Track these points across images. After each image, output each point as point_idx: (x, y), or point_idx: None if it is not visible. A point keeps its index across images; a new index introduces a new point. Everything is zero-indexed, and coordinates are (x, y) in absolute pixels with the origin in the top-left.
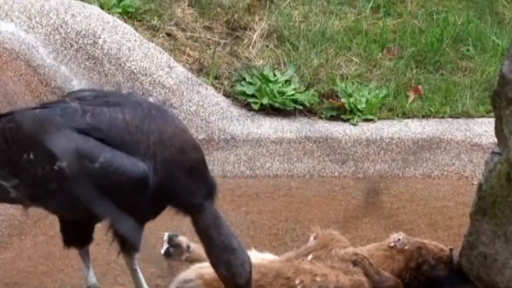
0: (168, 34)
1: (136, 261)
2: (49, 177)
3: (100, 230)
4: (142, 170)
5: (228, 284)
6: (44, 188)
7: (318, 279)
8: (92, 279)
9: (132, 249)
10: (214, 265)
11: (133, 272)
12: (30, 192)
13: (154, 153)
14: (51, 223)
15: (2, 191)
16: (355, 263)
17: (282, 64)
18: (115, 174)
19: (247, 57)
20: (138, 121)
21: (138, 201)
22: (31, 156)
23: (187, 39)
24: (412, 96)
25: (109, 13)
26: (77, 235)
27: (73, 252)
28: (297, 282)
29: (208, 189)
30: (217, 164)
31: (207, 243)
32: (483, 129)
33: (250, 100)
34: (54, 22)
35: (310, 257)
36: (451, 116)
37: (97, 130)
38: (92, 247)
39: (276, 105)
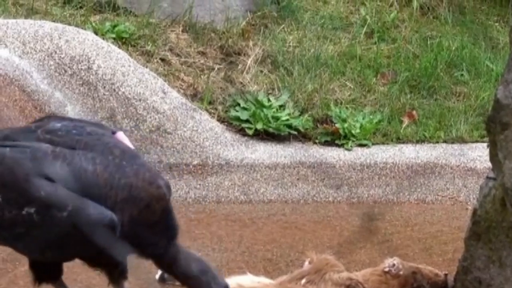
0: (162, 60)
1: None
2: (16, 220)
3: None
4: (109, 219)
5: None
6: (11, 231)
7: None
8: None
9: (120, 278)
10: None
11: None
12: None
13: (121, 210)
14: None
15: None
16: None
17: (276, 89)
18: (82, 223)
19: (241, 82)
20: (109, 174)
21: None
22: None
23: (181, 64)
24: (406, 121)
25: (103, 38)
26: (47, 272)
27: (68, 279)
28: None
29: (170, 236)
30: (211, 189)
31: (178, 277)
32: (477, 154)
33: (245, 125)
34: (48, 48)
35: (303, 281)
36: (445, 141)
37: (65, 180)
38: (86, 273)
39: (270, 130)
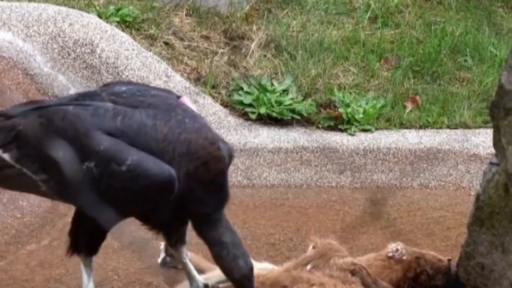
0: (166, 43)
1: (185, 254)
2: (77, 176)
3: None
4: (168, 174)
5: (229, 279)
6: (72, 186)
7: (315, 287)
8: None
9: (178, 242)
10: (215, 260)
11: (184, 265)
12: (58, 188)
13: (178, 164)
14: (48, 232)
15: (33, 185)
16: (353, 273)
17: (279, 74)
18: (141, 177)
19: (245, 67)
20: (168, 129)
21: (161, 206)
22: (60, 154)
23: (185, 48)
24: (409, 106)
25: (107, 22)
26: (88, 241)
27: (70, 261)
28: None
29: (221, 199)
30: None
31: (208, 243)
32: (481, 140)
33: (248, 109)
34: (52, 31)
35: (309, 266)
36: (448, 127)
37: (125, 135)
38: None
39: (274, 114)
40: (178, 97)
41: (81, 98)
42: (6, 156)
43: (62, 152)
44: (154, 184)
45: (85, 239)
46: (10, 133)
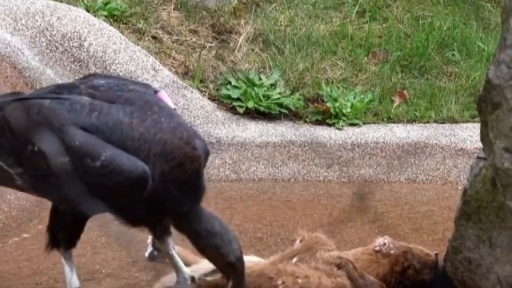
0: (154, 37)
1: (171, 246)
2: (51, 170)
3: (84, 233)
4: (142, 171)
5: (221, 266)
6: (46, 181)
7: (300, 280)
8: (76, 282)
9: (164, 234)
10: (203, 252)
11: (170, 256)
12: (33, 182)
13: (153, 164)
14: (35, 226)
15: (9, 178)
16: (339, 266)
17: (267, 68)
18: (114, 172)
19: (233, 61)
20: (144, 128)
21: (135, 203)
22: (35, 148)
23: (173, 42)
24: (397, 101)
25: (94, 16)
26: (66, 235)
27: (57, 255)
28: (279, 282)
29: (196, 197)
30: None
31: (191, 236)
32: (468, 134)
33: (236, 103)
34: (40, 25)
35: (294, 259)
36: (436, 121)
37: (100, 131)
38: (76, 251)
39: (261, 109)
40: (156, 91)
41: (59, 91)
42: None
43: (36, 147)
44: (127, 180)
45: (63, 233)
46: None
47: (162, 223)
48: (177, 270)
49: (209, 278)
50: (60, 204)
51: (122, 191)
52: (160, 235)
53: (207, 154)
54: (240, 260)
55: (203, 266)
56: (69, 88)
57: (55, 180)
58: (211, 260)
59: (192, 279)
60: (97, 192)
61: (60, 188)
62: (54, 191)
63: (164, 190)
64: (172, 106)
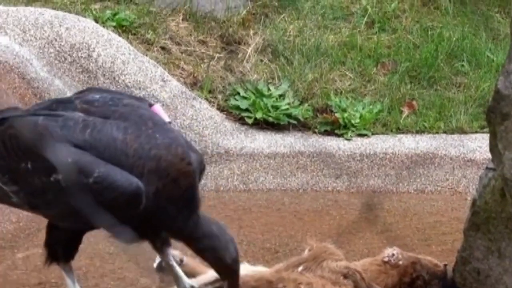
0: (163, 48)
1: (171, 256)
2: (46, 187)
3: (92, 244)
4: (136, 186)
5: (218, 268)
6: (42, 198)
7: (302, 287)
8: None
9: (164, 246)
10: (200, 255)
11: (170, 267)
12: (28, 199)
13: (147, 181)
14: (43, 237)
15: (5, 195)
16: (346, 276)
17: (276, 79)
18: (108, 189)
19: (241, 72)
20: (138, 144)
21: (129, 218)
22: (29, 166)
23: (182, 53)
24: (406, 111)
25: (103, 26)
26: (64, 248)
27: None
28: (279, 286)
29: (191, 209)
30: (210, 178)
31: (190, 243)
32: (477, 145)
33: (244, 114)
34: (49, 35)
35: (300, 268)
36: (445, 132)
37: (94, 148)
38: (85, 261)
39: (270, 119)
40: (151, 105)
41: (55, 106)
42: None
43: (30, 164)
44: (121, 196)
45: (61, 248)
46: None
47: (160, 235)
48: (178, 280)
49: (210, 287)
50: (56, 221)
51: (116, 207)
52: (160, 247)
53: (203, 167)
54: (237, 262)
55: (206, 276)
56: (64, 103)
57: (50, 198)
58: (207, 261)
59: None
60: (92, 208)
61: (55, 206)
62: (50, 208)
63: (159, 206)
64: (167, 119)
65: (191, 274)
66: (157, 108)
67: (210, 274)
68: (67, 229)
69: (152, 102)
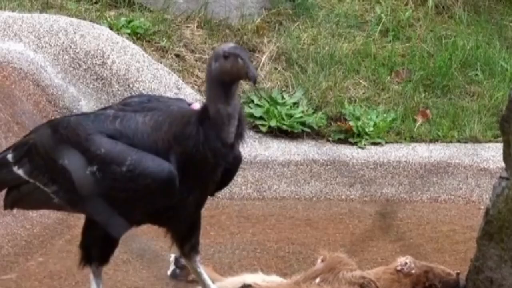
0: (177, 55)
1: (199, 263)
2: (82, 181)
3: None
4: (168, 171)
5: None
6: (79, 193)
7: None
8: None
9: (192, 252)
10: None
11: (197, 274)
12: (68, 197)
13: (173, 149)
14: (57, 243)
15: (46, 197)
16: (362, 286)
17: (290, 87)
18: (141, 176)
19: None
20: (154, 121)
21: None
22: (66, 161)
23: (196, 60)
24: (420, 120)
25: (118, 33)
26: (100, 250)
27: (79, 272)
28: None
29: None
30: None
31: None
32: (491, 154)
33: (258, 122)
34: (63, 42)
35: (317, 280)
36: (458, 141)
37: (124, 135)
38: None
39: (284, 127)
40: (189, 104)
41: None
42: (20, 172)
43: (67, 159)
44: (154, 182)
45: (97, 249)
46: (23, 147)
47: (191, 240)
48: (206, 287)
49: None
50: (96, 217)
51: (150, 193)
52: (189, 253)
53: None
54: None
55: (228, 284)
56: (105, 109)
57: (87, 192)
58: None
59: None
60: (126, 197)
61: (92, 200)
62: (88, 203)
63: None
64: None
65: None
66: (195, 106)
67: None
68: (103, 230)
69: (191, 102)
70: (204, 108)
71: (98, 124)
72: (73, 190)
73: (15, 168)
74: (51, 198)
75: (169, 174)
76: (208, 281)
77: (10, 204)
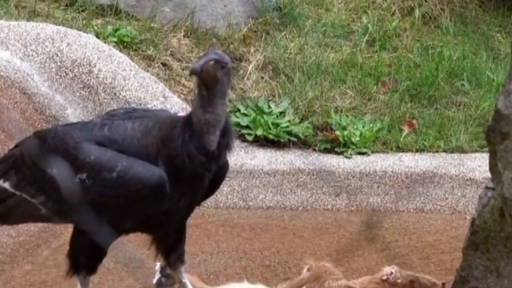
0: (164, 64)
1: (184, 274)
2: (72, 190)
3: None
4: (158, 176)
5: None
6: (68, 202)
7: None
8: None
9: (178, 262)
10: None
11: (183, 285)
12: (56, 207)
13: (161, 153)
14: (43, 252)
15: (34, 209)
16: None
17: (277, 96)
18: (131, 181)
19: (242, 89)
20: (144, 127)
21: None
22: (54, 170)
23: (183, 69)
24: (406, 130)
25: (104, 42)
26: (88, 260)
27: (65, 282)
28: None
29: None
30: None
31: None
32: (477, 164)
33: (244, 131)
34: (50, 51)
35: None
36: (445, 151)
37: (113, 141)
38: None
39: (270, 136)
40: (175, 114)
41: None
42: (6, 185)
43: (55, 169)
44: (145, 187)
45: (85, 259)
46: (8, 160)
47: (177, 250)
48: None
49: None
50: (84, 226)
51: (141, 199)
52: (174, 263)
53: None
54: None
55: None
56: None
57: (76, 200)
58: None
59: None
60: (117, 204)
61: (81, 209)
62: (76, 213)
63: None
64: None
65: None
66: (182, 115)
67: None
68: (92, 239)
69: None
70: (189, 114)
71: (86, 132)
72: (61, 199)
73: (0, 182)
74: (38, 210)
75: (159, 179)
76: None
77: None
